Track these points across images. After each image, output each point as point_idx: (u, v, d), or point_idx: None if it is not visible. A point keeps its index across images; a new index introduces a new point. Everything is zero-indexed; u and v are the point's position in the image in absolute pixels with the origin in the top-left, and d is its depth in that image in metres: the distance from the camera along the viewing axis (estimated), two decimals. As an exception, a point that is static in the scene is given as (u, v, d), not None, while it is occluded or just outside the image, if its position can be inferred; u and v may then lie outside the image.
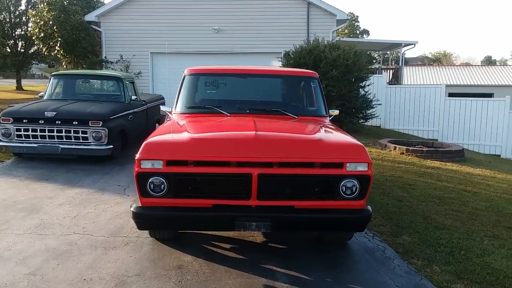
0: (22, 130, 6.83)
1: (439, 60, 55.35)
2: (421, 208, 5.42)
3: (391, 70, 21.38)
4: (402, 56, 20.05)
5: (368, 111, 11.95)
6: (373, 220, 4.68)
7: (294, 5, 14.78)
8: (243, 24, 14.73)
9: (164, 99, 10.58)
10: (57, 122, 6.78)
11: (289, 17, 14.72)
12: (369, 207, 3.51)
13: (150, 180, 3.26)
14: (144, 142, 3.40)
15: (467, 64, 40.72)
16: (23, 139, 6.86)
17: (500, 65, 40.57)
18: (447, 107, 13.89)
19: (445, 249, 4.09)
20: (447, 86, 15.32)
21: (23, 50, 28.64)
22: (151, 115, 9.20)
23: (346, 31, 42.29)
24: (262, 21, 14.64)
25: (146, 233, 4.04)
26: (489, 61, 59.33)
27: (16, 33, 28.31)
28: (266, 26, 14.62)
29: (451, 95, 16.17)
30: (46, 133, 6.78)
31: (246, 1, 14.71)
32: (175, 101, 4.69)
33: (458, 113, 13.77)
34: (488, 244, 4.33)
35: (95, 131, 6.78)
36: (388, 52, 24.81)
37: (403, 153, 9.15)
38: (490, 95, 24.29)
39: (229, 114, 4.29)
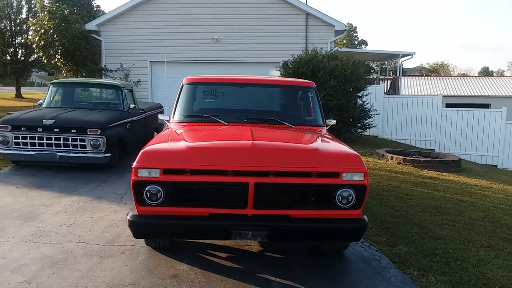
0: (20, 137, 6.84)
1: (436, 71, 55.66)
2: (418, 218, 5.42)
3: (388, 81, 21.57)
4: (400, 67, 20.20)
5: (366, 121, 11.99)
6: (370, 229, 4.68)
7: (292, 16, 14.91)
8: (242, 34, 14.84)
9: (162, 107, 10.63)
10: (55, 130, 6.80)
11: (287, 27, 14.84)
12: (365, 217, 3.52)
13: (146, 189, 3.27)
14: (141, 151, 3.41)
15: (465, 75, 40.93)
16: (21, 146, 6.86)
17: (497, 76, 40.82)
18: (444, 117, 13.95)
19: (441, 259, 4.10)
20: (444, 96, 15.41)
21: (23, 58, 28.82)
22: (150, 124, 9.23)
23: (344, 41, 42.63)
24: (261, 31, 14.77)
25: (142, 241, 4.04)
26: (486, 72, 59.80)
27: (16, 41, 28.52)
28: (265, 36, 14.75)
29: (448, 105, 16.22)
30: (44, 141, 6.80)
31: (245, 11, 14.85)
32: (173, 109, 4.71)
33: (455, 123, 13.81)
34: (484, 254, 4.34)
35: (93, 139, 6.80)
36: (386, 62, 25.01)
37: (400, 163, 9.18)
38: (487, 106, 24.38)
39: (226, 123, 4.32)
